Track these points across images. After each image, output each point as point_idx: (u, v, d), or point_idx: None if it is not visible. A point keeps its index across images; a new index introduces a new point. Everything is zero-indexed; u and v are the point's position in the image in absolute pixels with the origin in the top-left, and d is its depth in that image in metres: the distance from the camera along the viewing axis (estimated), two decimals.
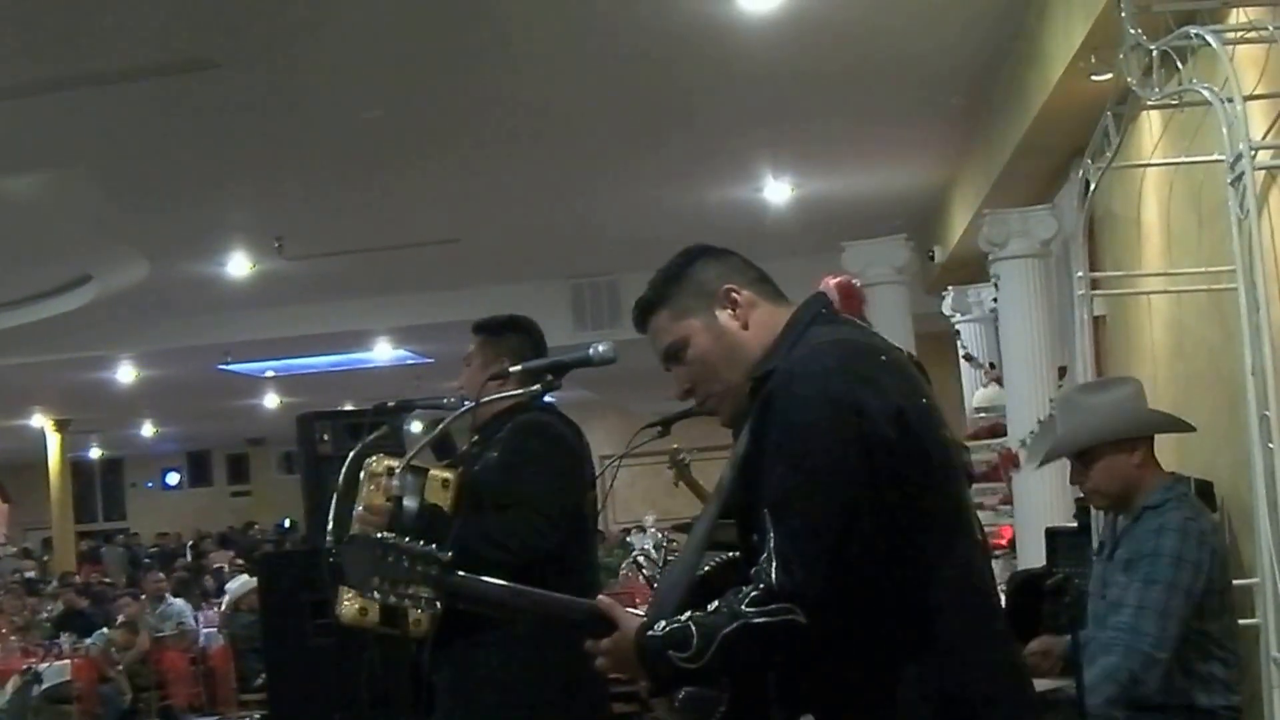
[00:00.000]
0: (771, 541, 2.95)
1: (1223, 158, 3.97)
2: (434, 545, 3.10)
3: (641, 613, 3.16)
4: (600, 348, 4.18)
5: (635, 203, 13.43)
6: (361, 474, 5.02)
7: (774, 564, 2.92)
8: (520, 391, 4.49)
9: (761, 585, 2.93)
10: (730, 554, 3.22)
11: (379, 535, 3.16)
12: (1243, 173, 3.86)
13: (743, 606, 2.92)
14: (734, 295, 3.24)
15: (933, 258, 14.28)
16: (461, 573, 3.13)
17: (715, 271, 3.28)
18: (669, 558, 4.08)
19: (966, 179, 12.27)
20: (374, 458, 4.99)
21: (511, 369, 4.50)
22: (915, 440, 3.03)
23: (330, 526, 5.34)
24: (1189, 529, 5.02)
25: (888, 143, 11.75)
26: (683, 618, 2.99)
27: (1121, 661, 4.83)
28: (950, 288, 14.27)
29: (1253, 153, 3.99)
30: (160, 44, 8.43)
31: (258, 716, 11.83)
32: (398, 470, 4.71)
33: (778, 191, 12.58)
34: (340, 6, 8.27)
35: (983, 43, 9.27)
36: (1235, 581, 5.13)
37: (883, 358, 3.13)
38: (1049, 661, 5.09)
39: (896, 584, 3.00)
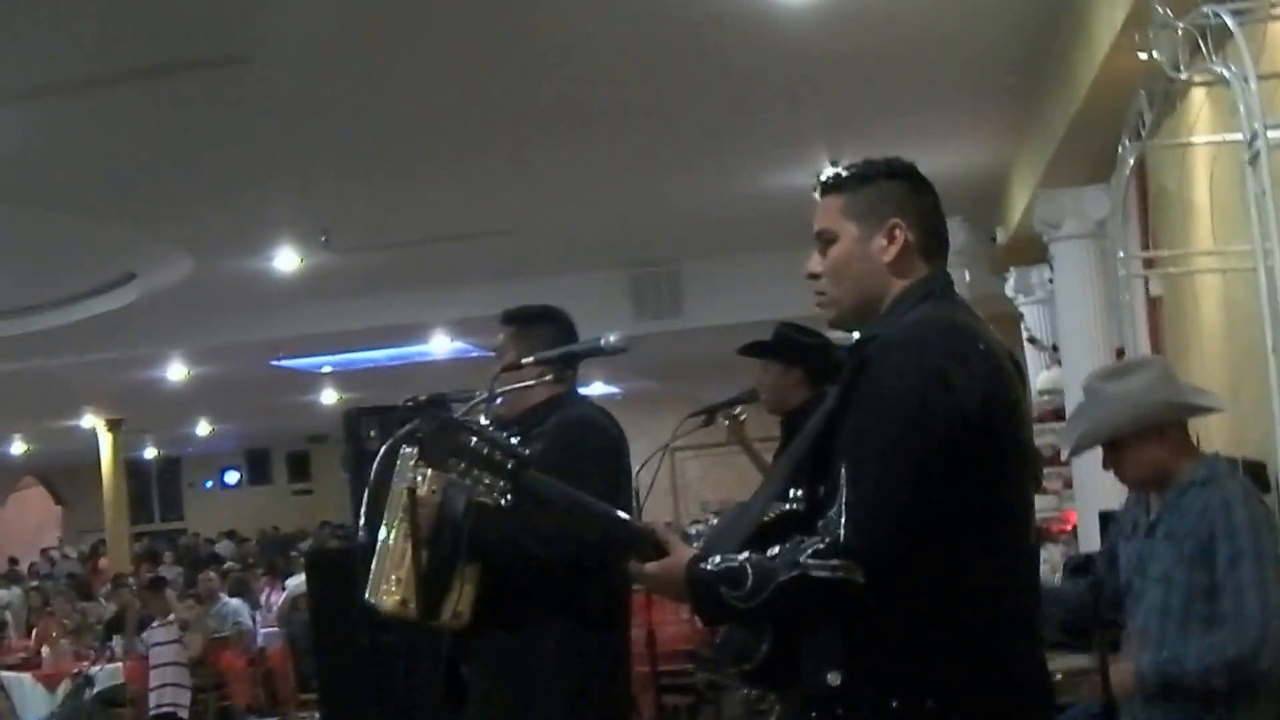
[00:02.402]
0: (844, 498, 2.99)
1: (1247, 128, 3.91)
2: (514, 440, 3.18)
3: None
4: (612, 338, 4.20)
5: (692, 190, 13.39)
6: (400, 474, 5.00)
7: (843, 519, 2.97)
8: (533, 382, 4.47)
9: (827, 539, 2.97)
10: (794, 506, 3.21)
11: (465, 420, 3.25)
12: (1259, 152, 3.80)
13: (804, 558, 2.97)
14: (896, 231, 3.28)
15: (995, 239, 14.20)
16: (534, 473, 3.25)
17: (899, 198, 3.32)
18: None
19: (1025, 159, 12.18)
20: (406, 453, 4.95)
21: (524, 360, 4.50)
22: (996, 429, 3.08)
23: (363, 522, 5.34)
24: (1252, 498, 4.96)
25: (942, 124, 11.66)
26: (740, 557, 3.05)
27: (1230, 648, 4.73)
28: (1013, 269, 14.19)
29: (1273, 132, 3.93)
30: (195, 40, 8.44)
31: (317, 717, 11.88)
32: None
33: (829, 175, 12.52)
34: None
35: (1031, 19, 9.18)
36: None
37: (981, 345, 3.16)
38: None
39: (952, 560, 3.03)
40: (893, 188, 3.32)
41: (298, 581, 14.91)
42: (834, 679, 3.08)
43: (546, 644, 5.03)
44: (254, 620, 16.19)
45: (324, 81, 9.47)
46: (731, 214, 14.14)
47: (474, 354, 20.52)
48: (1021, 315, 14.37)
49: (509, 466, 3.18)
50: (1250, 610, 4.68)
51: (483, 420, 4.50)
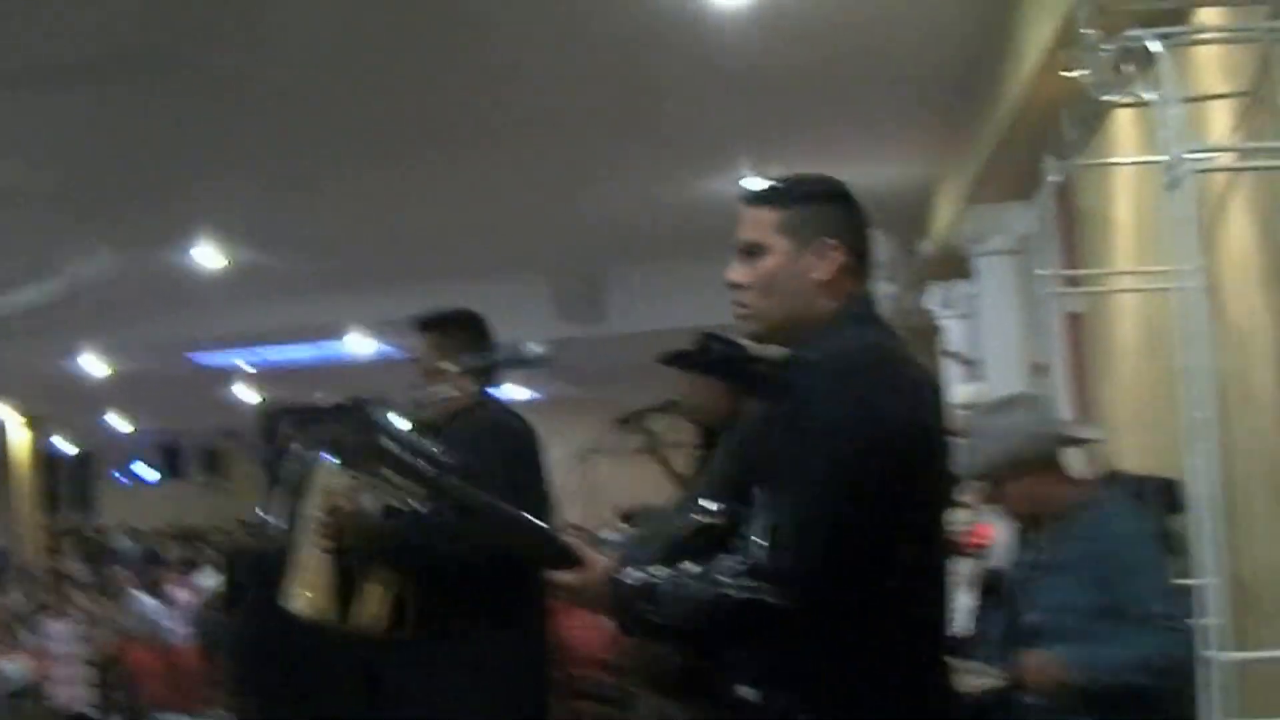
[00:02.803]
0: (766, 521, 3.01)
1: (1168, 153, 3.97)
2: (435, 447, 3.18)
3: None
4: (534, 347, 4.20)
5: (617, 198, 13.42)
6: (314, 475, 5.01)
7: (764, 541, 2.98)
8: (455, 392, 4.47)
9: (747, 561, 2.98)
10: (714, 519, 3.24)
11: (385, 425, 3.24)
12: (1179, 176, 3.85)
13: (723, 577, 2.98)
14: (829, 251, 3.27)
15: (917, 253, 14.29)
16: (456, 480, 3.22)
17: (833, 219, 3.31)
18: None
19: (950, 174, 12.26)
20: (322, 460, 4.97)
21: (448, 366, 4.50)
22: (921, 458, 3.11)
23: (277, 521, 5.35)
24: (1130, 510, 5.03)
25: (869, 138, 11.72)
26: (658, 573, 3.06)
27: (1145, 647, 4.77)
28: (935, 283, 14.28)
29: (1198, 155, 3.98)
30: (132, 37, 8.41)
31: (227, 714, 11.80)
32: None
33: (759, 186, 12.53)
34: (317, 1, 8.26)
35: (962, 36, 9.26)
36: (1185, 582, 5.11)
37: (909, 374, 3.19)
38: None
39: (869, 584, 3.04)
40: (828, 208, 3.32)
41: (209, 579, 14.83)
42: (747, 694, 3.11)
43: (464, 645, 5.04)
44: (165, 617, 16.06)
45: (256, 83, 9.45)
46: (655, 221, 14.16)
47: (391, 355, 20.48)
48: (941, 329, 14.45)
49: (430, 473, 3.18)
50: (1156, 615, 4.73)
51: (402, 424, 4.50)
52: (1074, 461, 5.31)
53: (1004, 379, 10.57)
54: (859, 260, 3.31)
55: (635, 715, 9.98)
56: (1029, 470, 5.06)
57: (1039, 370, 9.22)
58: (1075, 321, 8.53)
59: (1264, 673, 4.42)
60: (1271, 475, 4.87)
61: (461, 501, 3.25)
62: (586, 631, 9.06)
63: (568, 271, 16.88)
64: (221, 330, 17.85)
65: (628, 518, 13.56)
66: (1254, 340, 5.24)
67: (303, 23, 8.50)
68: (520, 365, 4.20)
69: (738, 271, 3.32)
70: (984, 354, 11.16)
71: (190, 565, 18.77)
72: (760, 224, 3.30)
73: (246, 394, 24.96)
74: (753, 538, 3.01)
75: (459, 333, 5.33)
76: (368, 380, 20.16)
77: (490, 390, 4.95)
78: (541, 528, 3.33)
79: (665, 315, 16.43)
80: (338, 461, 4.74)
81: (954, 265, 13.11)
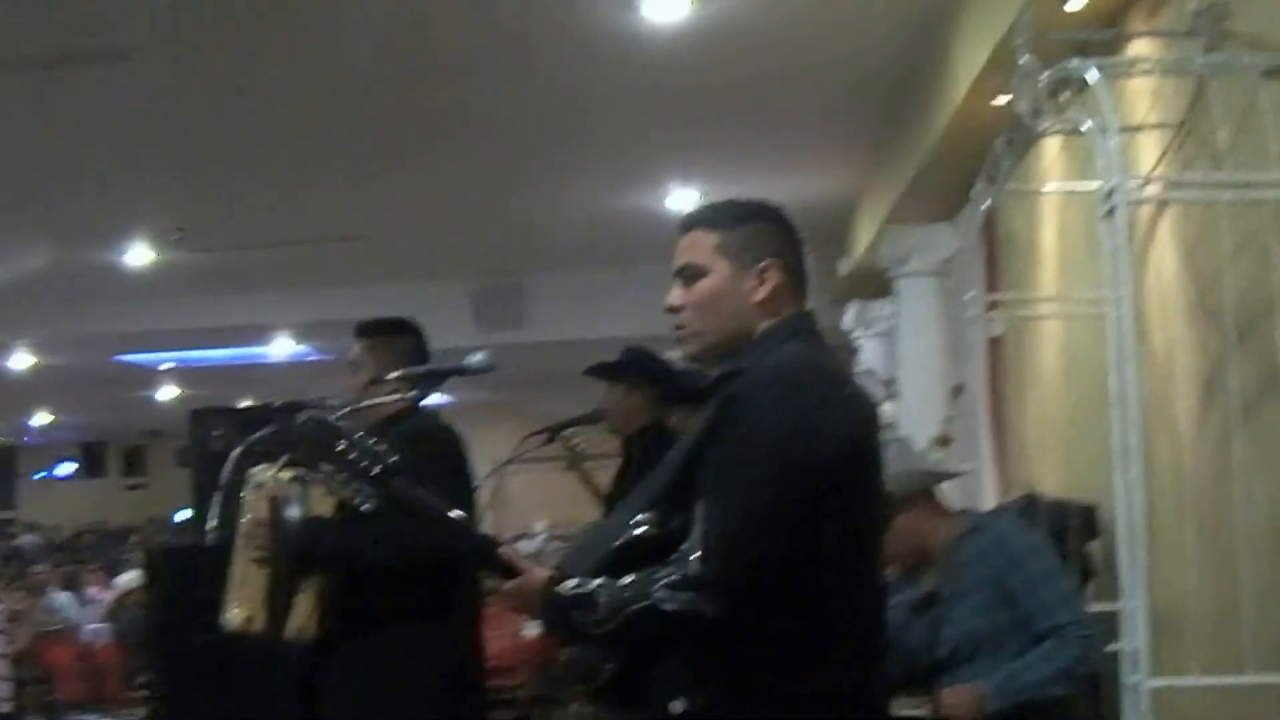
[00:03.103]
0: (702, 533, 3.02)
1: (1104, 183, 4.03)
2: (383, 449, 3.19)
3: None
4: (476, 357, 4.22)
5: (541, 207, 13.42)
6: (247, 483, 5.01)
7: (699, 554, 3.00)
8: (397, 397, 4.47)
9: (681, 573, 3.00)
10: (650, 530, 3.23)
11: (338, 427, 3.26)
12: (1115, 206, 3.91)
13: (657, 589, 3.00)
14: (769, 272, 3.28)
15: (837, 270, 14.37)
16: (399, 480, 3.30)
17: (772, 241, 3.33)
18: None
19: (874, 193, 12.34)
20: (258, 466, 4.97)
21: (390, 375, 4.50)
22: (855, 473, 3.14)
23: (214, 523, 5.35)
24: (1017, 526, 5.09)
25: (795, 154, 11.79)
26: (594, 583, 3.07)
27: (1063, 658, 4.82)
28: (853, 301, 14.37)
29: (1131, 185, 4.04)
30: (72, 33, 8.36)
31: (142, 713, 11.72)
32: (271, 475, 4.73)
33: (683, 199, 12.57)
34: (253, 3, 8.23)
35: (892, 59, 9.32)
36: (1107, 607, 5.17)
37: (846, 390, 3.22)
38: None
39: (802, 598, 3.08)
40: (767, 229, 3.34)
41: (129, 577, 14.74)
42: (678, 706, 3.14)
43: (394, 646, 5.05)
44: (84, 615, 15.98)
45: (190, 83, 9.41)
46: (578, 230, 14.18)
47: (312, 358, 20.39)
48: (859, 347, 14.55)
49: (377, 474, 3.20)
50: (1063, 620, 4.79)
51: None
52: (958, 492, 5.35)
53: (922, 398, 10.66)
54: (796, 280, 3.34)
55: None
56: (902, 507, 5.10)
57: (958, 392, 9.32)
58: (995, 344, 8.62)
59: (1173, 700, 4.48)
60: (1185, 502, 4.94)
61: (405, 501, 3.28)
62: (499, 640, 9.07)
63: (488, 278, 16.87)
64: (149, 330, 17.72)
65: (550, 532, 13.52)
66: (1175, 368, 5.32)
67: (233, 20, 8.46)
68: (463, 375, 4.20)
69: (677, 294, 3.33)
70: (902, 374, 11.24)
71: (112, 563, 18.67)
72: (699, 246, 3.32)
73: (170, 394, 24.83)
74: (687, 549, 3.03)
75: (399, 340, 5.35)
76: (288, 382, 20.15)
77: (424, 399, 4.95)
78: (478, 533, 3.36)
79: (583, 324, 16.48)
80: (283, 464, 4.73)
81: (873, 284, 13.21)
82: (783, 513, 3.02)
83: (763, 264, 3.28)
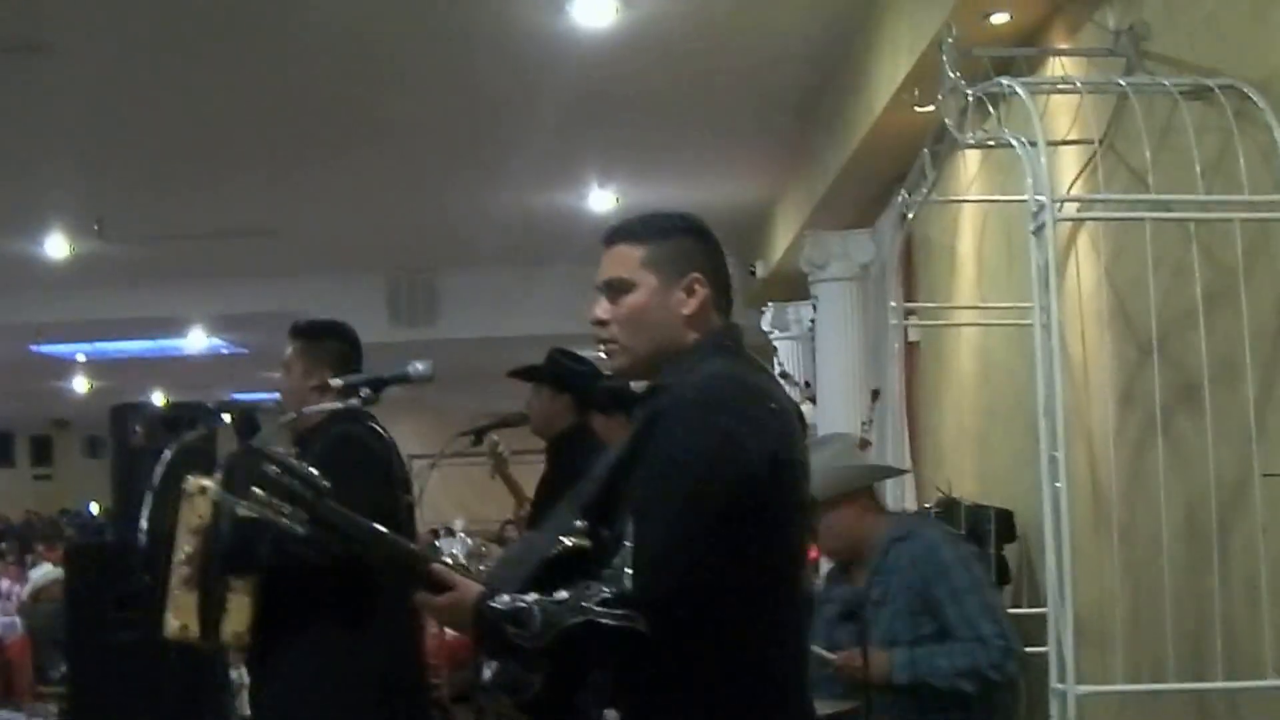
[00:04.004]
0: (631, 550, 3.05)
1: (1033, 199, 4.13)
2: (314, 470, 3.21)
3: None
4: (419, 366, 4.25)
5: (459, 203, 13.42)
6: (185, 489, 5.01)
7: (629, 571, 3.02)
8: (339, 405, 4.49)
9: (613, 589, 3.02)
10: (580, 543, 3.25)
11: (267, 450, 3.27)
12: (1044, 223, 4.01)
13: (591, 604, 3.02)
14: (696, 285, 3.30)
15: (754, 273, 14.47)
16: (334, 504, 3.25)
17: (697, 254, 3.34)
18: (481, 566, 4.20)
19: (792, 198, 12.44)
20: (188, 480, 4.97)
21: (333, 381, 4.51)
22: (781, 486, 3.16)
23: (144, 523, 5.34)
24: (950, 538, 5.17)
25: (715, 158, 11.87)
26: (528, 599, 3.07)
27: (978, 657, 4.89)
28: (770, 304, 14.48)
29: (1056, 205, 4.14)
30: None
31: (54, 710, 11.64)
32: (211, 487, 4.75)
33: (602, 200, 12.64)
34: None
35: (813, 66, 9.41)
36: (1027, 610, 5.28)
37: (772, 405, 3.23)
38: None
39: (731, 610, 3.11)
40: (692, 243, 3.36)
41: (42, 572, 14.59)
42: (612, 715, 3.18)
43: (325, 649, 5.08)
44: None
45: (113, 75, 9.37)
46: (495, 228, 14.19)
47: (226, 351, 20.30)
48: (775, 349, 14.65)
49: (308, 496, 3.22)
50: (987, 634, 4.87)
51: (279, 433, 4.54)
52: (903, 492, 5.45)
53: (839, 401, 10.77)
54: (722, 292, 3.38)
55: None
56: (840, 504, 5.19)
57: (875, 395, 9.42)
58: (912, 350, 8.73)
59: (1096, 705, 4.59)
60: (1102, 510, 5.05)
61: (337, 523, 3.29)
62: (427, 639, 9.11)
63: (404, 273, 16.87)
64: (65, 320, 17.57)
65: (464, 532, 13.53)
66: (1092, 379, 5.43)
67: (154, 13, 8.44)
68: (406, 383, 4.23)
69: (603, 309, 3.34)
70: (820, 377, 11.34)
71: (23, 557, 18.46)
72: (625, 260, 3.34)
73: (81, 384, 24.63)
74: (619, 564, 3.08)
75: (330, 343, 5.38)
76: (201, 375, 20.06)
77: (366, 405, 4.98)
78: (411, 549, 3.38)
79: (497, 322, 16.51)
80: (213, 478, 4.75)
81: (789, 287, 13.32)
82: (709, 530, 3.05)
83: (689, 278, 3.30)
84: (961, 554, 5.04)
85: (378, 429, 5.30)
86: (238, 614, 4.94)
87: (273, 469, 3.23)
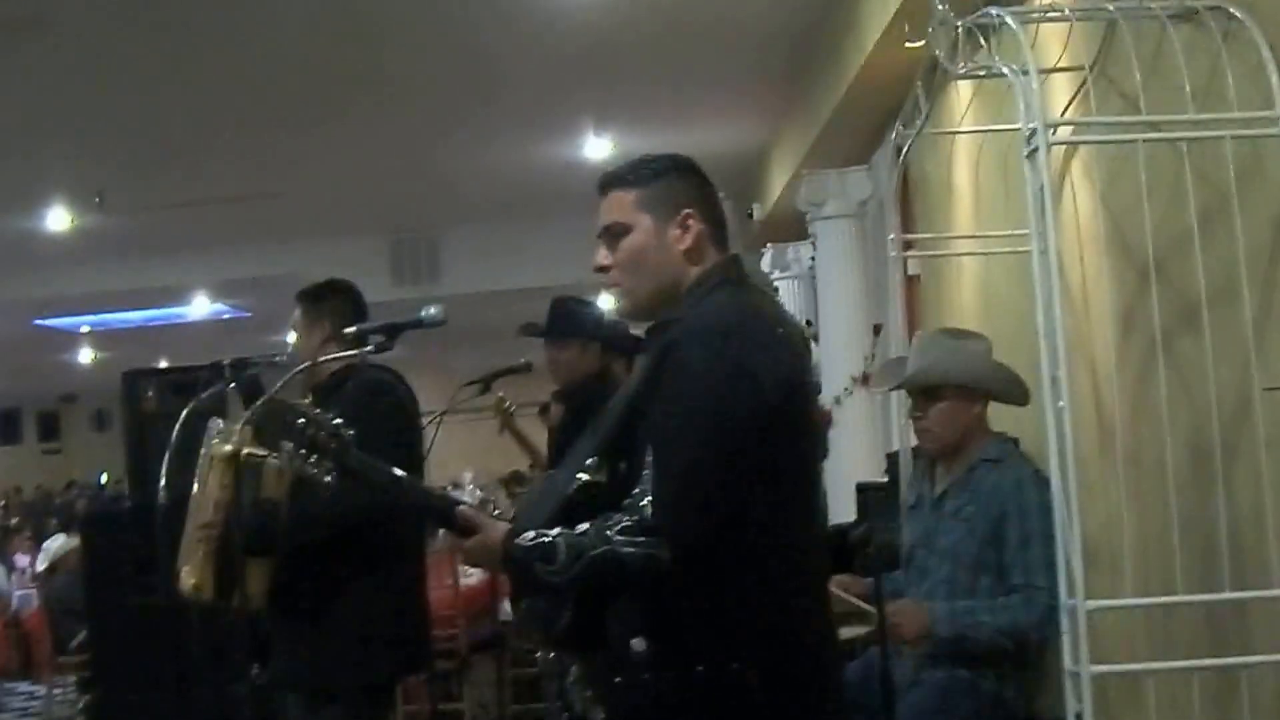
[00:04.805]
0: (650, 480, 3.16)
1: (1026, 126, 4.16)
2: (338, 421, 3.27)
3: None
4: (432, 310, 4.29)
5: (457, 160, 13.46)
6: (203, 457, 5.07)
7: (649, 500, 3.14)
8: (353, 353, 4.55)
9: (635, 518, 3.14)
10: (599, 478, 3.36)
11: (294, 403, 3.36)
12: (1037, 147, 4.05)
13: (613, 533, 3.13)
14: (690, 220, 3.42)
15: (752, 216, 14.50)
16: (359, 453, 3.39)
17: (687, 190, 3.46)
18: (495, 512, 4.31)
19: (786, 139, 12.46)
20: (215, 440, 5.02)
21: (346, 331, 4.57)
22: (794, 412, 3.29)
23: (163, 485, 5.42)
24: (1041, 481, 5.23)
25: (709, 102, 11.90)
26: (551, 533, 3.20)
27: (1021, 616, 4.97)
28: (769, 245, 14.51)
29: (1050, 130, 4.18)
30: None
31: (73, 680, 11.73)
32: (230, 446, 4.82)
33: (598, 148, 12.63)
34: None
35: (804, 6, 9.44)
36: None
37: (779, 330, 3.36)
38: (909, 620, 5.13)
39: (752, 536, 3.22)
40: (681, 181, 3.47)
41: (58, 544, 14.62)
42: (639, 645, 3.26)
43: (339, 605, 5.18)
44: (7, 583, 15.86)
45: (110, 47, 9.42)
46: (493, 183, 14.23)
47: (228, 315, 20.32)
48: (776, 289, 14.67)
49: (333, 447, 3.29)
50: (1039, 584, 4.92)
51: (291, 388, 4.59)
52: None
53: (842, 339, 10.81)
54: (717, 226, 3.48)
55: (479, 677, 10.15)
56: (974, 398, 5.26)
57: (877, 330, 9.46)
58: (912, 284, 8.75)
59: (1106, 620, 4.64)
60: (1107, 435, 5.09)
61: (363, 473, 3.37)
62: (436, 591, 9.18)
63: (404, 232, 16.90)
64: (68, 294, 17.61)
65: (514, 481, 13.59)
66: (1092, 304, 5.46)
67: None
68: (420, 328, 4.29)
69: (603, 255, 3.47)
70: (822, 316, 11.38)
71: (38, 530, 18.51)
72: (620, 205, 3.45)
73: (87, 357, 24.65)
74: (639, 495, 3.15)
75: (334, 301, 5.51)
76: (204, 340, 20.04)
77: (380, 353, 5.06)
78: (437, 494, 3.47)
79: (499, 277, 16.55)
80: (241, 429, 4.81)
81: (790, 228, 13.35)
82: (726, 456, 3.15)
83: (682, 213, 3.41)
84: (1045, 499, 5.05)
85: (399, 378, 5.41)
86: (255, 579, 5.01)
87: (299, 421, 3.30)
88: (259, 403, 4.24)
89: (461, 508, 3.38)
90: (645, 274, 3.43)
